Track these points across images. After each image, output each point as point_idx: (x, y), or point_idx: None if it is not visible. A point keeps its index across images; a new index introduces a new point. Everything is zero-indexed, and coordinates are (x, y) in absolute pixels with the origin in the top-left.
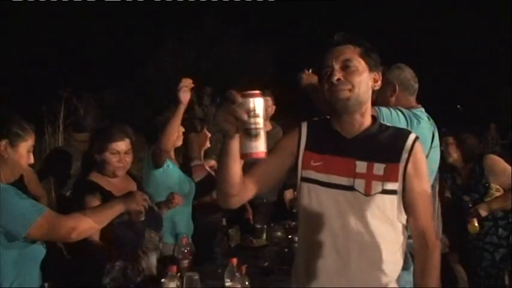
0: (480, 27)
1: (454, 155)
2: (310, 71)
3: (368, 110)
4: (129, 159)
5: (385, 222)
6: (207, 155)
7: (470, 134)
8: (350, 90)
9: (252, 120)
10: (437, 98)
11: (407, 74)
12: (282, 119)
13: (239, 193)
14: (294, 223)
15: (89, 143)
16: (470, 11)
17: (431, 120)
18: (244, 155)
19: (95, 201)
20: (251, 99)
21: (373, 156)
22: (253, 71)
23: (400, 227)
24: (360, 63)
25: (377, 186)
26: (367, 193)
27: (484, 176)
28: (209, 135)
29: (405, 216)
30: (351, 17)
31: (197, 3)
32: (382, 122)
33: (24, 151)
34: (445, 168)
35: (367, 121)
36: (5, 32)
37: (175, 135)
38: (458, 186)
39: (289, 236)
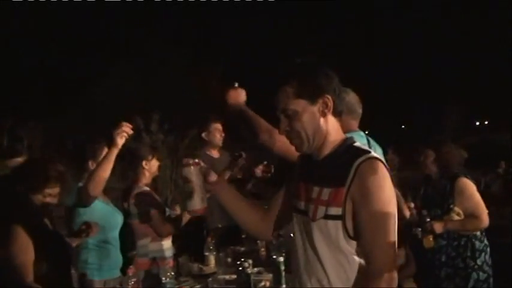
0: (421, 49)
1: (432, 168)
2: (237, 85)
3: (333, 134)
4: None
5: (332, 248)
6: (156, 182)
7: (450, 148)
8: (298, 137)
9: (186, 185)
10: (382, 119)
11: (352, 98)
12: (233, 144)
13: (262, 230)
14: (243, 248)
15: (20, 176)
16: (411, 33)
17: (371, 142)
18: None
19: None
20: (183, 169)
21: (324, 180)
22: (201, 94)
23: (351, 255)
24: (297, 105)
25: (321, 211)
26: (313, 218)
27: (452, 196)
28: (157, 163)
29: (355, 243)
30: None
31: (142, 27)
32: (354, 143)
33: None
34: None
35: (333, 144)
36: None
37: (105, 179)
38: (426, 197)
39: (238, 262)
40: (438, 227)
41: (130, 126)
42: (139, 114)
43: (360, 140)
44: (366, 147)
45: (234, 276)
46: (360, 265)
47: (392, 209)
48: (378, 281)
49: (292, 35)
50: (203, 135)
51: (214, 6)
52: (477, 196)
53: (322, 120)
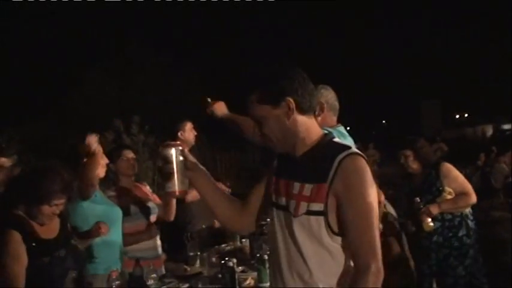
0: (400, 46)
1: (414, 166)
2: (210, 100)
3: (304, 132)
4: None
5: (315, 243)
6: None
7: (424, 143)
8: (270, 140)
9: (166, 166)
10: (364, 115)
11: (332, 95)
12: (211, 143)
13: (236, 222)
14: (228, 247)
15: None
16: (394, 29)
17: (349, 137)
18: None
19: (18, 237)
20: (163, 150)
21: (306, 176)
22: (180, 97)
23: (335, 250)
24: (262, 110)
25: (303, 207)
26: (295, 214)
27: (439, 180)
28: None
29: (340, 238)
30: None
31: (120, 31)
32: (334, 139)
33: None
34: (402, 177)
35: (310, 141)
36: None
37: (98, 168)
38: (413, 189)
39: (222, 262)
40: (434, 209)
41: (96, 138)
42: (120, 117)
43: (345, 134)
44: (346, 143)
45: (219, 276)
46: (344, 259)
47: (375, 203)
48: (366, 275)
49: (271, 33)
50: (179, 134)
51: (194, 8)
52: (461, 176)
53: (288, 122)
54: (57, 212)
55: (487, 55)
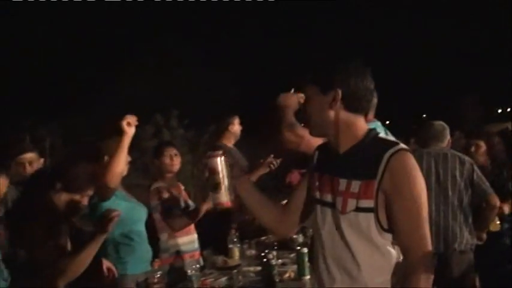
0: (441, 38)
1: (481, 159)
2: (293, 91)
3: (346, 129)
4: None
5: (363, 240)
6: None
7: (500, 140)
8: (308, 121)
9: (212, 177)
10: (404, 109)
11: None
12: (245, 138)
13: (280, 225)
14: (267, 240)
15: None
16: (432, 23)
17: (388, 132)
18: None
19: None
20: (209, 160)
21: (352, 173)
22: (217, 91)
23: (384, 246)
24: (310, 90)
25: (351, 204)
26: (343, 211)
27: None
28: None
29: (390, 235)
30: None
31: (159, 25)
32: (379, 135)
33: None
34: None
35: (354, 137)
36: None
37: (121, 169)
38: None
39: (262, 254)
40: (507, 207)
41: (135, 118)
42: (159, 111)
43: (380, 130)
44: (393, 139)
45: (259, 268)
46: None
47: (424, 199)
48: (417, 273)
49: (306, 33)
50: (229, 128)
51: (230, 6)
52: None
53: (330, 112)
54: (85, 202)
55: None
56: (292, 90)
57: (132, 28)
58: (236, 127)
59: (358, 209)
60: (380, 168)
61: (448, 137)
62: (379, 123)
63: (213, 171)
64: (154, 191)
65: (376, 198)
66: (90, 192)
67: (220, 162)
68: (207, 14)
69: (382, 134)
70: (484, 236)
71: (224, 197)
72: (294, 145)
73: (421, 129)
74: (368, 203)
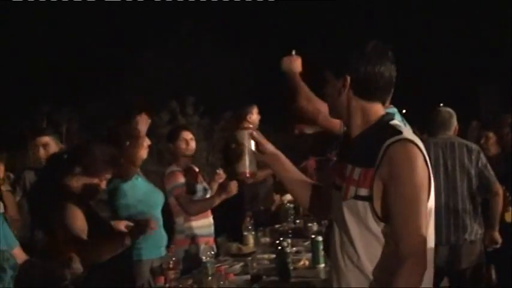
0: (459, 28)
1: (492, 149)
2: (294, 52)
3: (356, 114)
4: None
5: (362, 228)
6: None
7: (508, 131)
8: (327, 102)
9: (237, 147)
10: (420, 98)
11: None
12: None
13: (312, 205)
14: (282, 228)
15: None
16: (450, 13)
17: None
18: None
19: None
20: (237, 132)
21: (356, 160)
22: (234, 77)
23: (382, 235)
24: (327, 74)
25: (352, 191)
26: (344, 197)
27: None
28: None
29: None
30: (330, 22)
31: (174, 10)
32: (392, 122)
33: None
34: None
35: (366, 123)
36: None
37: (142, 149)
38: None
39: (276, 241)
40: None
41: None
42: (175, 98)
43: (396, 117)
44: (400, 127)
45: (273, 256)
46: (388, 246)
47: (423, 192)
48: (407, 264)
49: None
50: (248, 117)
51: None
52: None
53: (341, 97)
54: (103, 186)
55: None
56: (294, 52)
57: (150, 14)
58: (255, 116)
59: (357, 197)
60: (378, 156)
61: (455, 123)
62: (395, 110)
63: (239, 143)
64: (170, 175)
65: (371, 186)
66: (108, 176)
67: (247, 135)
68: (225, 1)
69: (395, 121)
70: (498, 236)
71: (246, 167)
72: (310, 116)
73: (428, 116)
74: (365, 192)
